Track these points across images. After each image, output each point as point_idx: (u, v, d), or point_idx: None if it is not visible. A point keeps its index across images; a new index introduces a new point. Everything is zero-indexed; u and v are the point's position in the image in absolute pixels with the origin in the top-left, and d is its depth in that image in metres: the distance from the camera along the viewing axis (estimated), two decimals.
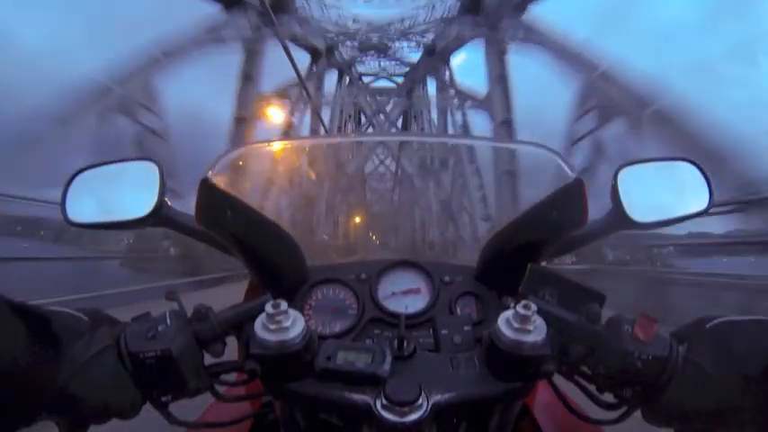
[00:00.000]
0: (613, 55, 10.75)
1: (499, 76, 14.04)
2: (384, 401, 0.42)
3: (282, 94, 16.68)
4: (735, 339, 0.43)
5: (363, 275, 0.65)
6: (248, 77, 14.25)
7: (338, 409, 0.47)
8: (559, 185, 0.55)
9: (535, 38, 12.40)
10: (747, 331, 0.44)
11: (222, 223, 0.54)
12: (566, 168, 0.61)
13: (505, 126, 13.61)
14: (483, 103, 15.06)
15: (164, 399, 0.47)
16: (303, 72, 14.79)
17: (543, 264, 0.60)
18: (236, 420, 0.56)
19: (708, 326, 0.45)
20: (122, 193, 0.59)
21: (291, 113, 16.95)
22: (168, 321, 0.45)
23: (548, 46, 12.05)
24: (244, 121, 13.84)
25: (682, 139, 8.50)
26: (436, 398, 0.43)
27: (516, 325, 0.45)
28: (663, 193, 0.60)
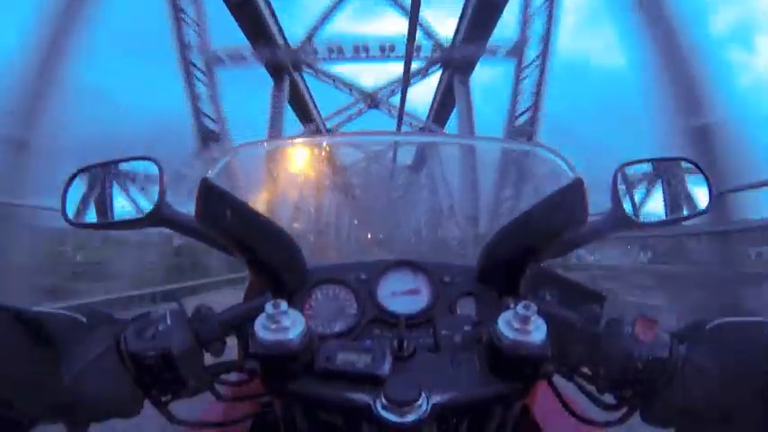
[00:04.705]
0: None
1: None
2: (384, 401, 0.42)
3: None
4: (735, 340, 0.44)
5: (363, 276, 0.65)
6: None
7: (338, 409, 0.47)
8: (559, 185, 0.55)
9: None
10: (747, 332, 0.44)
11: (222, 223, 0.54)
12: (566, 168, 0.61)
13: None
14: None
15: (164, 398, 0.47)
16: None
17: (543, 264, 0.60)
18: (236, 420, 0.56)
19: (708, 327, 0.45)
20: (122, 192, 0.59)
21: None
22: (168, 321, 0.45)
23: None
24: None
25: None
26: (436, 398, 0.43)
27: (516, 325, 0.45)
28: (663, 192, 0.59)
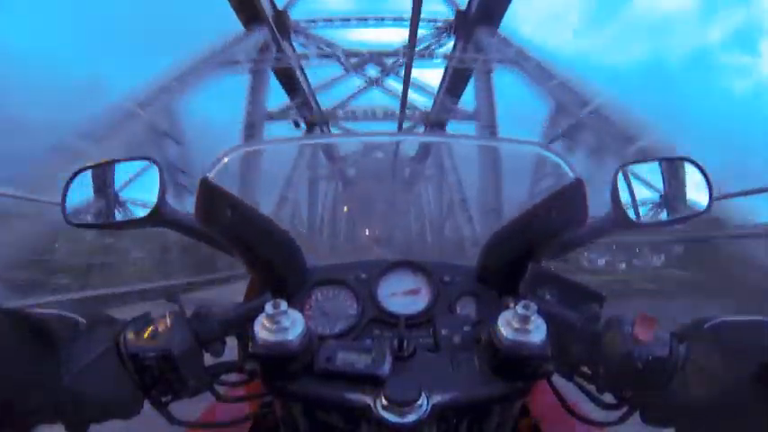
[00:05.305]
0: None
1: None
2: (384, 402, 0.42)
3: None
4: (734, 339, 0.43)
5: (363, 276, 0.65)
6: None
7: (338, 409, 0.47)
8: (559, 185, 0.55)
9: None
10: (746, 330, 0.44)
11: (222, 223, 0.54)
12: (566, 168, 0.61)
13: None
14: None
15: (164, 399, 0.47)
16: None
17: (543, 263, 0.60)
18: (236, 420, 0.56)
19: (707, 325, 0.45)
20: (122, 192, 0.59)
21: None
22: (168, 321, 0.45)
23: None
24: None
25: None
26: (436, 398, 0.43)
27: (516, 325, 0.45)
28: (663, 192, 0.59)
